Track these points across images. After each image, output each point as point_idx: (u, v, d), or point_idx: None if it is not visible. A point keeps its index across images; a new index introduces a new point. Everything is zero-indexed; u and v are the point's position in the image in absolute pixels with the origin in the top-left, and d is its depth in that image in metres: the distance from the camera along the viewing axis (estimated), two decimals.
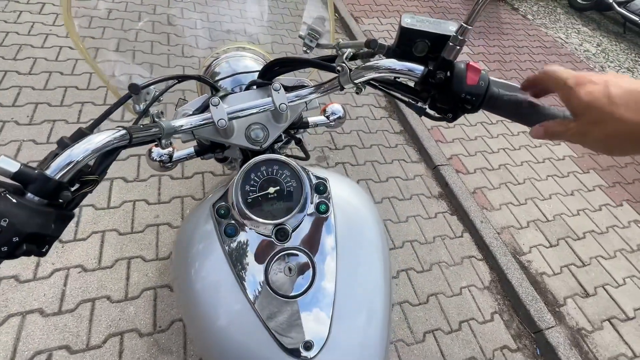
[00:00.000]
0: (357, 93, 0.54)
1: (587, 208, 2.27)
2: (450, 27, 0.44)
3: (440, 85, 0.45)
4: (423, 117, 0.53)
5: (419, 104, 0.52)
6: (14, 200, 0.32)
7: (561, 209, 2.22)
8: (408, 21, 0.45)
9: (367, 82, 0.53)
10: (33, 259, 1.34)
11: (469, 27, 0.39)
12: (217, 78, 0.79)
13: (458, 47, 0.41)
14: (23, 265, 1.32)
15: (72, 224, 1.47)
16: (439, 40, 0.45)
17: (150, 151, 0.78)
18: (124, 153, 1.75)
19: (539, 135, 0.41)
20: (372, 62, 0.48)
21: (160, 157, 0.78)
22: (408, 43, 0.46)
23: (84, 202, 1.55)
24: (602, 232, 2.13)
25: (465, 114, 0.48)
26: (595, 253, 2.01)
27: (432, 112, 0.52)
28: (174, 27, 2.65)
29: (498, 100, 0.44)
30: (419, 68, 0.46)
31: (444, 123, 2.56)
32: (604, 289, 1.84)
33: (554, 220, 2.13)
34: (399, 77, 0.50)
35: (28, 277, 1.30)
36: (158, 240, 1.53)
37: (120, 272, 1.40)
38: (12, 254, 0.32)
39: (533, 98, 0.43)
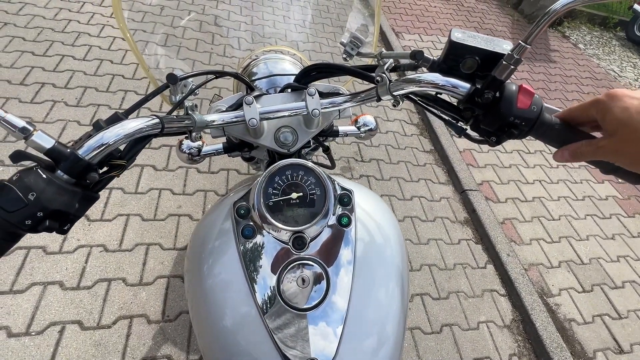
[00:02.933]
0: (394, 106, 0.52)
1: (630, 256, 2.08)
2: (504, 46, 0.41)
3: (486, 105, 0.42)
4: (456, 139, 0.49)
5: (460, 124, 0.49)
6: (44, 176, 0.32)
7: (599, 252, 2.05)
8: (459, 36, 0.42)
9: (407, 96, 0.51)
10: None
11: (528, 46, 0.36)
12: (253, 78, 0.80)
13: (512, 67, 0.38)
14: (52, 237, 1.39)
15: (100, 204, 1.54)
16: (490, 59, 0.42)
17: (180, 143, 0.79)
18: (156, 142, 1.83)
19: (564, 158, 0.40)
20: (415, 74, 0.46)
21: (189, 149, 0.79)
22: (456, 59, 0.43)
23: (115, 184, 1.61)
24: None
25: (510, 139, 0.44)
26: (635, 306, 1.82)
27: (473, 134, 0.48)
28: (219, 27, 2.76)
29: (549, 129, 0.41)
30: (464, 85, 0.43)
31: (477, 147, 2.46)
32: None
33: (590, 264, 1.97)
34: (441, 93, 0.47)
35: (54, 250, 1.36)
36: (177, 230, 1.56)
37: (138, 257, 1.43)
38: (34, 228, 0.32)
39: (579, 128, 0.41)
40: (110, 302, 1.30)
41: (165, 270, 1.42)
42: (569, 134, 0.40)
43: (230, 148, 0.79)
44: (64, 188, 0.33)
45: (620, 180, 2.57)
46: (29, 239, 1.36)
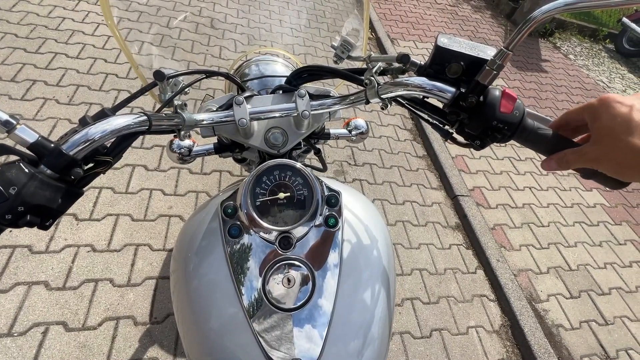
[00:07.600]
0: (382, 109, 0.53)
1: (616, 262, 2.11)
2: (488, 52, 0.42)
3: (470, 109, 0.43)
4: (448, 145, 0.50)
5: (446, 128, 0.49)
6: (27, 170, 0.32)
7: (586, 259, 2.08)
8: (444, 41, 0.43)
9: (394, 99, 0.52)
10: (49, 231, 1.39)
11: (510, 52, 0.37)
12: (245, 79, 0.80)
13: (495, 72, 0.39)
14: (38, 236, 1.37)
15: (89, 203, 1.52)
16: (475, 64, 0.43)
17: (171, 142, 0.79)
18: (148, 142, 1.81)
19: (551, 167, 0.41)
20: (402, 78, 0.47)
21: (180, 149, 0.79)
22: (442, 63, 0.44)
23: (105, 184, 1.60)
24: (631, 291, 1.97)
25: (494, 144, 0.45)
26: (621, 312, 1.85)
27: (459, 138, 0.49)
28: (215, 29, 2.76)
29: (532, 134, 0.42)
30: (450, 89, 0.44)
31: (469, 153, 2.49)
32: (628, 354, 1.68)
33: (578, 270, 2.00)
34: (427, 97, 0.48)
35: (40, 249, 1.34)
36: (168, 231, 1.54)
37: (126, 257, 1.41)
38: (14, 223, 0.32)
39: (565, 135, 0.42)
40: (97, 303, 1.28)
41: (154, 272, 1.41)
42: (558, 143, 0.41)
43: (221, 148, 0.79)
44: (47, 183, 0.33)
45: (608, 189, 2.62)
46: (14, 237, 1.33)
